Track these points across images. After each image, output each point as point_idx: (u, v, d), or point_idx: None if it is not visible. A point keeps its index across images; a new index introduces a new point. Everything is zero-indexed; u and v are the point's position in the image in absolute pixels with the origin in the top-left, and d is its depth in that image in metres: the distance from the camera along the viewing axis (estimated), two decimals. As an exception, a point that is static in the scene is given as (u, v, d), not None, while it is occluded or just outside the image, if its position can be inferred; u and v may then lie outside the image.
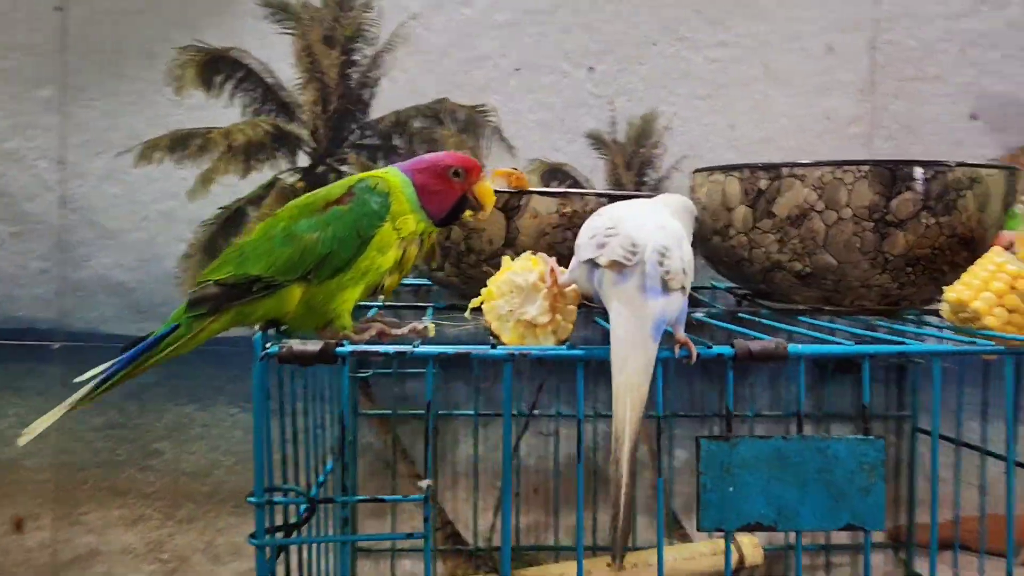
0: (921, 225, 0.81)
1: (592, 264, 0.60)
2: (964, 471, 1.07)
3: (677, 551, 0.98)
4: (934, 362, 0.67)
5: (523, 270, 0.65)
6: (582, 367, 0.62)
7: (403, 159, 1.09)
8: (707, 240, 0.92)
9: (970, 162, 0.81)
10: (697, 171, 0.98)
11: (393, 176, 0.69)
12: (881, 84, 1.15)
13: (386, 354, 0.61)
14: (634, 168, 1.13)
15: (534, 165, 1.13)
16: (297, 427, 0.81)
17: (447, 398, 1.13)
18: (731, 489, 0.62)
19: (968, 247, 0.83)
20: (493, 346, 0.62)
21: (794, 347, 0.62)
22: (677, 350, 0.61)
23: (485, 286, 0.68)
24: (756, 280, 0.90)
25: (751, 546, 1.01)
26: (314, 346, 0.61)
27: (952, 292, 0.76)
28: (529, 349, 0.62)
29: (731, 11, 1.13)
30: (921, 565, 1.14)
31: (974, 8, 1.15)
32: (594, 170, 1.13)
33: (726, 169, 0.89)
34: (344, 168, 1.11)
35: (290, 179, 1.11)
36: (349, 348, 0.61)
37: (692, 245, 0.67)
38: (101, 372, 0.68)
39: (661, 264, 0.58)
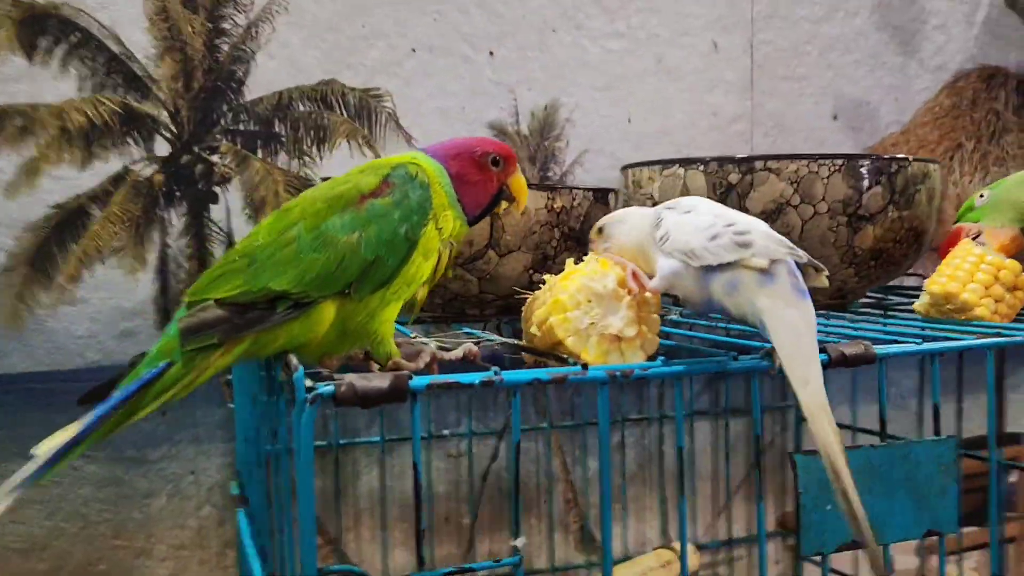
0: (888, 219, 0.81)
1: (712, 268, 0.52)
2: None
3: (628, 569, 0.92)
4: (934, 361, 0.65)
5: (597, 275, 0.55)
6: (680, 386, 0.54)
7: (288, 148, 0.94)
8: (661, 237, 0.87)
9: (922, 158, 0.84)
10: (627, 167, 0.92)
11: (426, 163, 0.56)
12: (759, 82, 1.17)
13: (470, 384, 0.48)
14: (538, 162, 1.06)
15: (435, 157, 1.01)
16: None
17: (345, 424, 0.98)
18: (829, 508, 0.57)
19: (919, 240, 0.85)
20: (584, 366, 0.51)
21: (881, 349, 0.59)
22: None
23: (522, 294, 0.57)
24: (716, 278, 0.86)
25: (692, 553, 0.98)
26: (381, 381, 0.46)
27: (936, 285, 0.78)
28: (630, 367, 0.52)
29: (625, 2, 1.09)
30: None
31: (830, 15, 1.21)
32: (498, 164, 1.04)
33: (685, 163, 0.84)
34: (215, 158, 0.92)
35: (146, 171, 0.90)
36: (425, 380, 0.47)
37: None
38: (68, 438, 0.48)
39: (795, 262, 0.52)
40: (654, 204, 0.86)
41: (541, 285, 0.59)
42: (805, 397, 0.48)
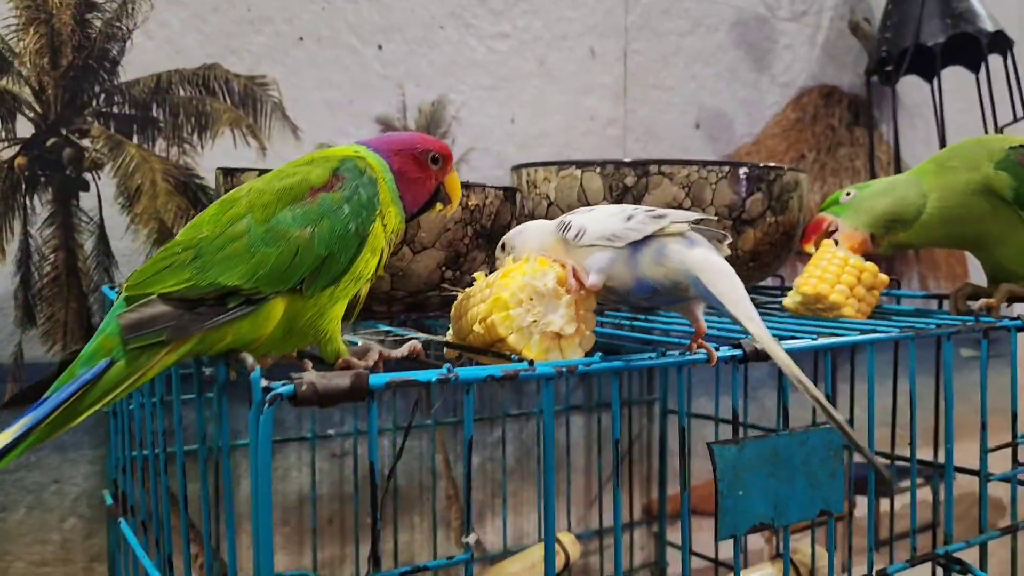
0: (766, 223, 0.87)
1: (638, 245, 0.54)
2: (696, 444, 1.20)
3: (519, 561, 0.94)
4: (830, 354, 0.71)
5: (538, 274, 0.55)
6: (617, 380, 0.56)
7: (167, 134, 0.88)
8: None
9: (794, 167, 0.90)
10: (519, 166, 0.94)
11: (370, 157, 0.54)
12: (631, 90, 1.22)
13: (427, 382, 0.48)
14: (425, 159, 1.05)
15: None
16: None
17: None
18: (741, 493, 0.61)
19: (789, 243, 0.92)
20: (531, 363, 0.52)
21: (786, 346, 0.63)
22: (695, 348, 0.59)
23: (452, 291, 0.57)
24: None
25: (571, 544, 1.00)
26: (341, 380, 0.45)
27: (807, 286, 0.84)
28: (574, 363, 0.53)
29: (511, 3, 1.11)
30: (671, 533, 1.24)
31: (694, 28, 1.28)
32: (384, 159, 1.02)
33: (582, 164, 0.87)
34: (86, 142, 0.86)
35: (6, 153, 0.82)
36: (384, 379, 0.46)
37: None
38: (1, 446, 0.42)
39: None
40: (550, 204, 0.88)
41: (452, 287, 0.60)
42: (755, 330, 0.51)
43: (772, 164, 0.87)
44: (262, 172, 0.71)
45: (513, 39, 1.11)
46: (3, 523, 0.83)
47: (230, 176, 0.73)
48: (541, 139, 1.14)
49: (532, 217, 0.91)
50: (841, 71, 1.45)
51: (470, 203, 0.73)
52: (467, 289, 0.60)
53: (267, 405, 0.43)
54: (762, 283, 1.14)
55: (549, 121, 1.15)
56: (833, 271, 0.84)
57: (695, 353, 0.59)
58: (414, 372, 0.48)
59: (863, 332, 0.72)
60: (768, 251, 0.89)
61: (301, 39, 0.97)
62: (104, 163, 0.86)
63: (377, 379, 0.46)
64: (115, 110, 0.87)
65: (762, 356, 0.61)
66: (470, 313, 0.57)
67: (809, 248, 0.90)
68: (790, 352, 0.62)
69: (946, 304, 0.91)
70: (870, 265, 0.84)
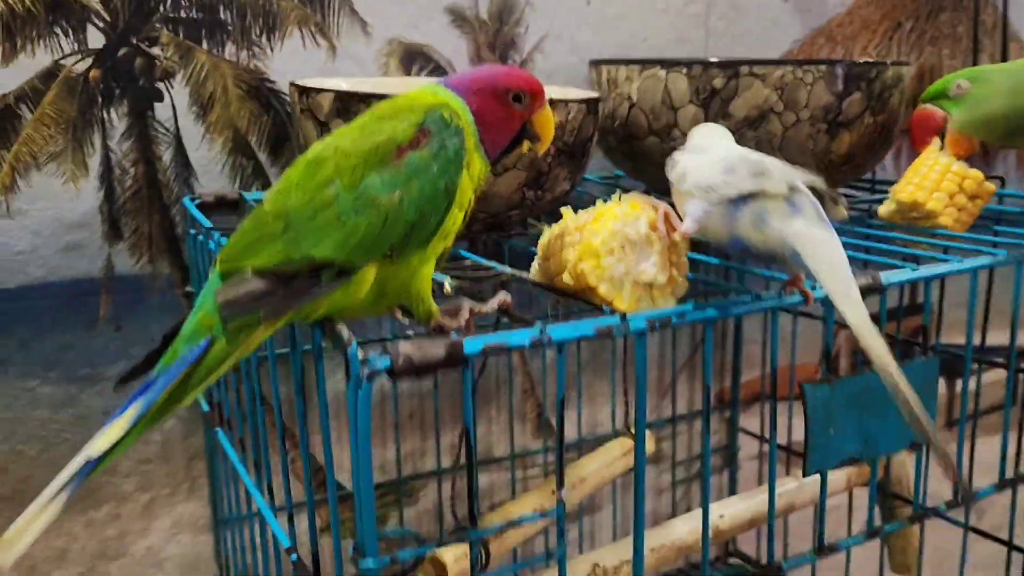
0: (863, 125, 0.82)
1: (736, 202, 0.51)
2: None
3: (599, 458, 0.96)
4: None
5: (630, 219, 0.53)
6: (711, 329, 0.55)
7: (235, 37, 0.86)
8: (639, 139, 0.85)
9: (897, 60, 0.84)
10: (599, 62, 0.89)
11: (455, 103, 0.52)
12: (716, -39, 1.13)
13: (520, 345, 0.47)
14: (497, 49, 1.01)
15: (392, 47, 0.95)
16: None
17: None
18: (832, 431, 0.60)
19: (887, 142, 0.87)
20: (623, 317, 0.51)
21: (887, 277, 0.61)
22: (790, 290, 0.57)
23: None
24: (692, 182, 0.86)
25: (649, 438, 1.02)
26: (436, 350, 0.45)
27: (903, 193, 0.80)
28: (667, 314, 0.52)
29: None
30: (744, 420, 1.26)
31: None
32: (456, 52, 0.98)
33: (667, 64, 0.82)
34: (156, 51, 0.84)
35: (80, 66, 0.81)
36: (479, 345, 0.46)
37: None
38: (119, 435, 0.44)
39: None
40: (631, 106, 0.84)
41: (537, 224, 0.58)
42: (853, 317, 0.48)
43: (873, 60, 0.81)
44: (340, 96, 0.69)
45: (590, -88, 1.03)
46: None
47: (306, 96, 0.71)
48: (617, 22, 1.08)
49: (613, 119, 0.87)
50: (947, -74, 1.32)
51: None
52: (553, 227, 0.58)
53: (367, 380, 0.44)
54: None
55: (626, 1, 1.08)
56: (933, 178, 0.79)
57: (791, 294, 0.57)
58: (507, 334, 0.47)
59: (963, 254, 0.69)
60: (864, 152, 0.84)
61: (366, -74, 0.91)
62: (176, 71, 0.85)
63: (472, 345, 0.46)
64: (183, 15, 0.84)
65: (864, 293, 0.59)
66: (560, 256, 0.56)
67: (923, 150, 0.81)
68: (886, 286, 0.60)
69: (1052, 208, 0.86)
70: (975, 172, 0.79)
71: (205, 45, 0.86)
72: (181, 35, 0.84)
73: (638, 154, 0.87)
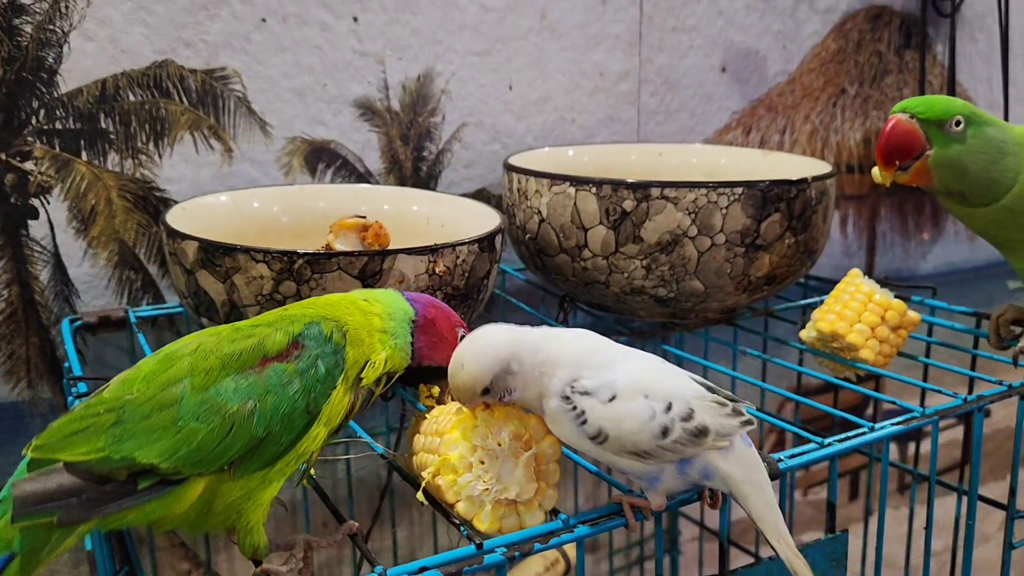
0: (784, 245, 0.78)
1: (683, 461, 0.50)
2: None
3: (520, 573, 0.92)
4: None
5: (492, 431, 0.48)
6: (582, 548, 0.50)
7: (119, 146, 0.80)
8: (550, 256, 0.81)
9: (817, 174, 0.79)
10: (510, 168, 0.84)
11: (375, 306, 0.49)
12: (647, 36, 1.09)
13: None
14: (411, 142, 0.95)
15: (295, 144, 0.89)
16: None
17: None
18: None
19: (811, 257, 0.82)
20: (479, 546, 0.46)
21: (783, 465, 0.56)
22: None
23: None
24: (606, 300, 0.82)
25: (571, 549, 0.98)
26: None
27: (824, 323, 0.76)
28: (530, 537, 0.47)
29: (506, -50, 0.97)
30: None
31: (722, -46, 1.12)
32: (366, 146, 0.93)
33: (576, 182, 0.77)
34: (29, 165, 0.78)
35: (-58, 187, 0.75)
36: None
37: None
38: None
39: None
40: (541, 221, 0.79)
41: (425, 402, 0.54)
42: (782, 549, 0.50)
43: (794, 179, 0.77)
44: (204, 247, 0.63)
45: (510, -7, 0.98)
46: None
47: (172, 239, 0.66)
48: (541, 104, 1.03)
49: (524, 231, 0.82)
50: (893, -13, 1.28)
51: (437, 269, 0.64)
52: (416, 416, 0.53)
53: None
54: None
55: (551, 83, 1.03)
56: (854, 308, 0.75)
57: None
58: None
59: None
60: (785, 272, 0.80)
61: (263, 21, 0.86)
62: (52, 186, 0.79)
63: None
64: (58, 126, 0.78)
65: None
66: (419, 456, 0.51)
67: (886, 178, 0.69)
68: (784, 470, 0.56)
69: (985, 325, 0.82)
70: (897, 303, 0.75)
71: (85, 156, 0.80)
72: (57, 147, 0.79)
73: (550, 268, 0.82)
